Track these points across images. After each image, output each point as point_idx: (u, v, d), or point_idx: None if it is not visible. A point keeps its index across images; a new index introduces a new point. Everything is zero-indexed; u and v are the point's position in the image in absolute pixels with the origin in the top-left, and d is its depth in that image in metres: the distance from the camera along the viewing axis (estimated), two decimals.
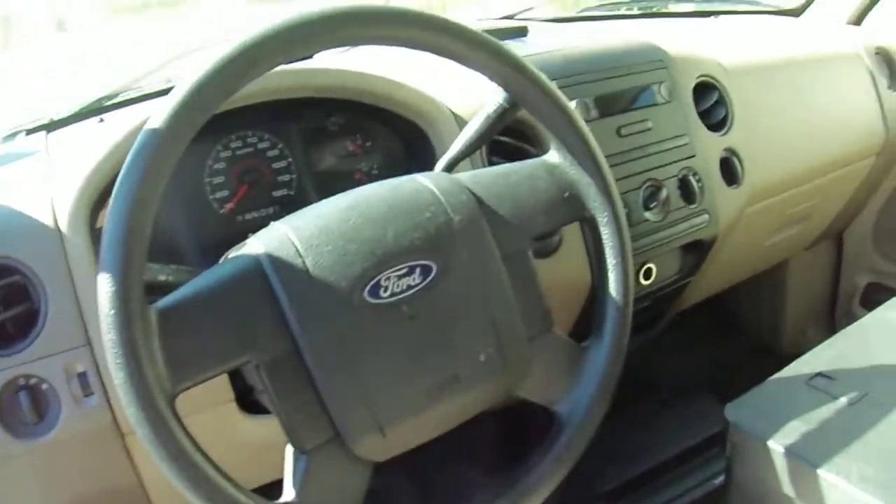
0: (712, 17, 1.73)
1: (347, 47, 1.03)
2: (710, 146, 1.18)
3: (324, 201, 0.69)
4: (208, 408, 0.80)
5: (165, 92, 1.03)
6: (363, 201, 0.68)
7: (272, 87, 0.86)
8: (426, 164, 0.89)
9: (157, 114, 0.58)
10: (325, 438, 0.64)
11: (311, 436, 0.63)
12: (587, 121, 1.00)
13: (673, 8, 1.83)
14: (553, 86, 0.75)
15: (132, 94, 1.09)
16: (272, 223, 0.67)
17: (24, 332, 0.74)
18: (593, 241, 0.78)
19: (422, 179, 0.71)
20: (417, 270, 0.65)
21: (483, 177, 0.75)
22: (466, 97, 0.97)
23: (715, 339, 1.86)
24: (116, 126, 0.81)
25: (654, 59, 1.16)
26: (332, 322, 0.62)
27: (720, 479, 1.29)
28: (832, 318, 1.90)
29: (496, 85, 0.75)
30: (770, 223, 1.40)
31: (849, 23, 1.69)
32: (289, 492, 0.64)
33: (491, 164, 0.96)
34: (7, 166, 0.89)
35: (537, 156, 0.80)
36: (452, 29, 0.69)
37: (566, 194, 0.76)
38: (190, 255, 0.90)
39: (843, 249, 1.84)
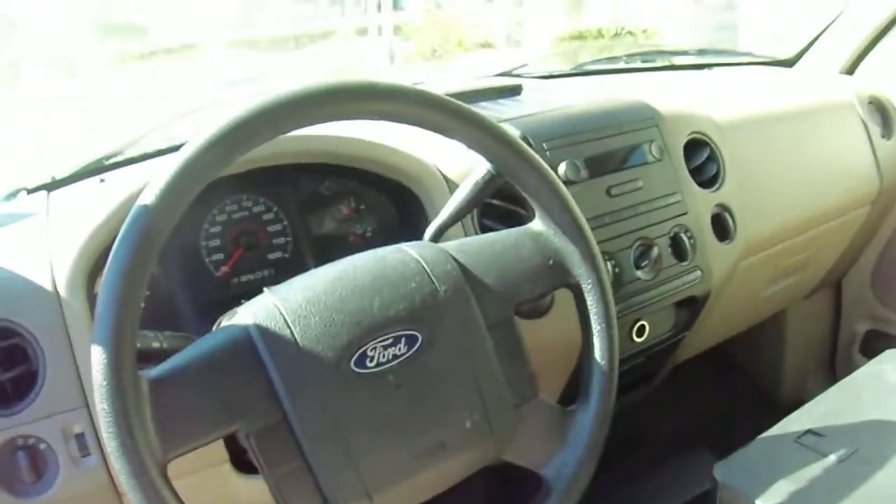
0: (706, 70, 1.75)
1: None
2: (701, 203, 1.18)
3: (311, 272, 0.70)
4: (203, 469, 0.80)
5: (167, 151, 1.05)
6: (350, 272, 0.69)
7: (267, 152, 0.87)
8: (418, 226, 0.90)
9: (150, 186, 0.59)
10: None
11: (300, 503, 0.64)
12: (577, 182, 1.02)
13: (668, 61, 1.84)
14: (534, 155, 0.76)
15: (134, 154, 1.10)
16: (263, 291, 0.68)
17: (22, 394, 0.75)
18: (578, 306, 0.79)
19: (408, 249, 0.73)
20: (403, 340, 0.66)
21: (469, 245, 0.76)
22: (458, 160, 0.98)
23: (712, 389, 1.84)
24: (115, 190, 0.82)
25: (646, 118, 1.15)
26: (320, 392, 0.63)
27: None
28: (832, 366, 1.89)
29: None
30: (765, 275, 1.40)
31: (842, 72, 1.71)
32: None
33: (482, 226, 0.97)
34: (8, 227, 0.90)
35: (529, 218, 0.81)
36: (432, 102, 0.70)
37: (551, 262, 0.77)
38: (186, 316, 0.91)
39: (841, 297, 1.83)
